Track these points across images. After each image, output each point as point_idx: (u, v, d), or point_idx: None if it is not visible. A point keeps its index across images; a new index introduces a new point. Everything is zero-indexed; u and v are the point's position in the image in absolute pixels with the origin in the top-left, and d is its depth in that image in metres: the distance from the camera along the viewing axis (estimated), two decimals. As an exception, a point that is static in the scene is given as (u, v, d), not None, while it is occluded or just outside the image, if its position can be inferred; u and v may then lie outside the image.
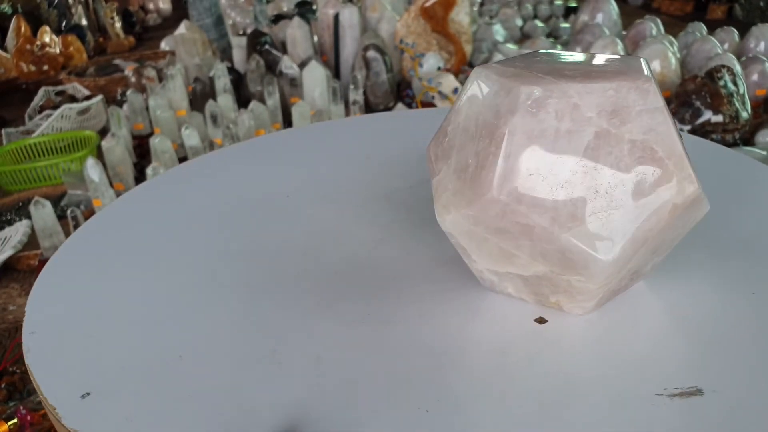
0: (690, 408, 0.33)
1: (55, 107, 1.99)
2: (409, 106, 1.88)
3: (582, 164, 0.35)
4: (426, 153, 0.43)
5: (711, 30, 2.13)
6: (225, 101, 1.75)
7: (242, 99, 1.90)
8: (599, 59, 0.41)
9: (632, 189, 0.35)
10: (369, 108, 1.90)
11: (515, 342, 0.39)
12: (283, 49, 2.19)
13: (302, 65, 1.91)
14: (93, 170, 1.31)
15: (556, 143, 0.36)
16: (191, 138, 1.53)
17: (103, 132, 1.89)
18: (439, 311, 0.43)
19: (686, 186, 0.36)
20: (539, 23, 2.59)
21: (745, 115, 1.48)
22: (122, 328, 0.43)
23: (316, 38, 2.24)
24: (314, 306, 0.44)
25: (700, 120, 1.47)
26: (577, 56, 0.42)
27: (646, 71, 0.38)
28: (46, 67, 2.77)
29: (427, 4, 2.00)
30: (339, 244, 0.52)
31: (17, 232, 1.31)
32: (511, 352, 0.39)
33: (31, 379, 0.39)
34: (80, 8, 3.65)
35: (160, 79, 2.06)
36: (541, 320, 0.41)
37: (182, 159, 1.58)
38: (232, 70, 1.96)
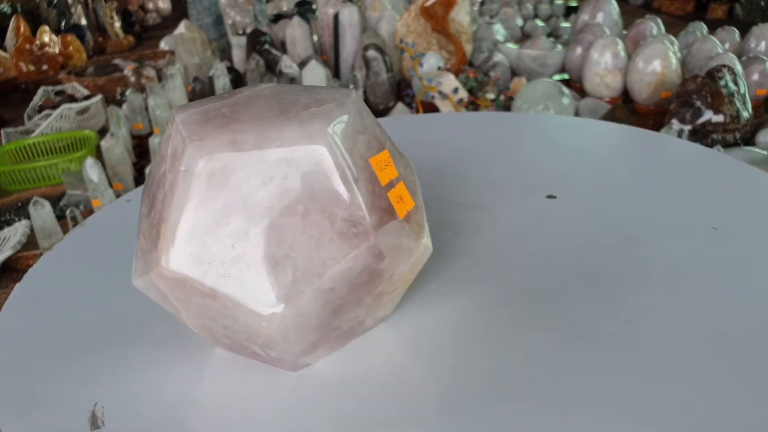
0: None
1: (55, 107, 1.98)
2: (410, 105, 1.87)
3: (163, 191, 0.35)
4: None
5: (712, 30, 2.12)
6: (224, 101, 1.75)
7: (242, 99, 1.90)
8: (276, 106, 0.36)
9: (148, 241, 0.35)
10: (369, 107, 1.89)
11: None
12: (283, 48, 2.18)
13: (302, 65, 1.91)
14: (92, 170, 1.30)
15: (161, 166, 0.36)
16: (191, 138, 1.52)
17: (103, 132, 1.88)
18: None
19: (164, 267, 0.33)
20: (540, 23, 2.59)
21: (745, 114, 1.47)
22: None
23: (315, 38, 2.23)
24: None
25: (701, 120, 1.47)
26: (278, 99, 0.37)
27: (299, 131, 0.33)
28: (45, 67, 2.76)
29: (428, 4, 1.99)
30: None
31: (16, 232, 1.31)
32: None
33: None
34: (79, 8, 3.64)
35: (160, 79, 2.05)
36: None
37: (182, 159, 1.57)
38: (231, 69, 1.95)
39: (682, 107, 1.49)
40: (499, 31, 2.26)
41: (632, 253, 0.48)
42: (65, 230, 1.26)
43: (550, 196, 0.57)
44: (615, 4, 2.18)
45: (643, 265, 0.46)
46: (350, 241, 0.34)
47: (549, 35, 2.50)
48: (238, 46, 2.20)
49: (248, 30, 2.40)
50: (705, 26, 2.15)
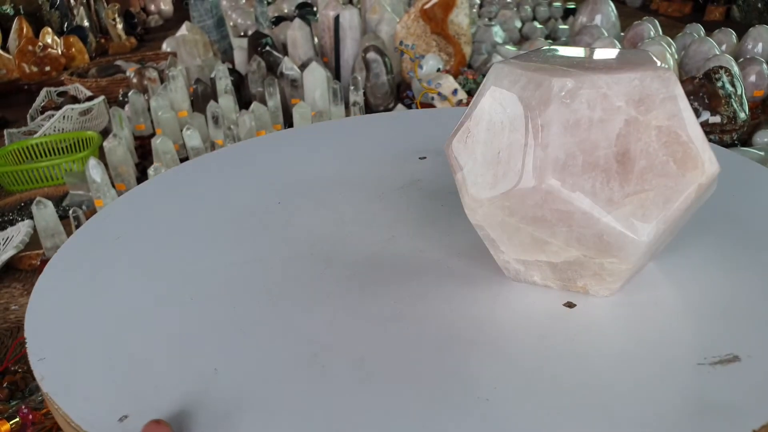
0: (731, 373, 0.35)
1: (57, 108, 2.00)
2: (409, 107, 1.88)
3: (615, 151, 0.37)
4: (445, 151, 0.44)
5: (709, 31, 2.13)
6: (226, 102, 1.76)
7: (243, 100, 1.91)
8: (606, 53, 0.43)
9: (661, 172, 0.38)
10: (369, 109, 1.90)
11: (549, 327, 0.41)
12: (284, 50, 2.20)
13: (303, 66, 1.92)
14: (95, 170, 1.31)
15: (590, 132, 0.37)
16: (193, 139, 1.54)
17: (105, 132, 1.89)
18: (469, 304, 0.43)
19: (708, 166, 0.38)
20: (538, 25, 2.60)
21: (742, 116, 1.49)
22: (141, 340, 0.42)
23: (316, 40, 2.25)
24: (343, 308, 0.44)
25: (699, 121, 1.48)
26: (580, 51, 0.44)
27: (658, 62, 0.40)
28: (48, 68, 2.78)
29: (427, 6, 2.01)
30: (347, 246, 0.52)
31: (19, 232, 1.32)
32: (547, 336, 0.40)
33: (53, 408, 0.37)
34: (82, 9, 3.66)
35: (162, 80, 2.07)
36: (570, 304, 0.42)
37: (184, 160, 1.59)
38: (233, 71, 1.96)
39: (679, 108, 1.50)
40: (497, 33, 2.27)
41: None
42: (68, 230, 1.27)
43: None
44: (613, 6, 2.19)
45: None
46: None
47: (547, 37, 2.51)
48: (239, 47, 2.21)
49: (249, 32, 2.41)
50: (702, 28, 2.16)
